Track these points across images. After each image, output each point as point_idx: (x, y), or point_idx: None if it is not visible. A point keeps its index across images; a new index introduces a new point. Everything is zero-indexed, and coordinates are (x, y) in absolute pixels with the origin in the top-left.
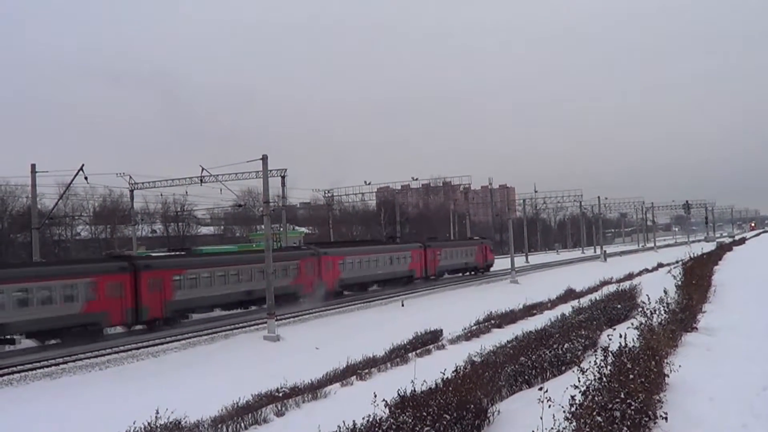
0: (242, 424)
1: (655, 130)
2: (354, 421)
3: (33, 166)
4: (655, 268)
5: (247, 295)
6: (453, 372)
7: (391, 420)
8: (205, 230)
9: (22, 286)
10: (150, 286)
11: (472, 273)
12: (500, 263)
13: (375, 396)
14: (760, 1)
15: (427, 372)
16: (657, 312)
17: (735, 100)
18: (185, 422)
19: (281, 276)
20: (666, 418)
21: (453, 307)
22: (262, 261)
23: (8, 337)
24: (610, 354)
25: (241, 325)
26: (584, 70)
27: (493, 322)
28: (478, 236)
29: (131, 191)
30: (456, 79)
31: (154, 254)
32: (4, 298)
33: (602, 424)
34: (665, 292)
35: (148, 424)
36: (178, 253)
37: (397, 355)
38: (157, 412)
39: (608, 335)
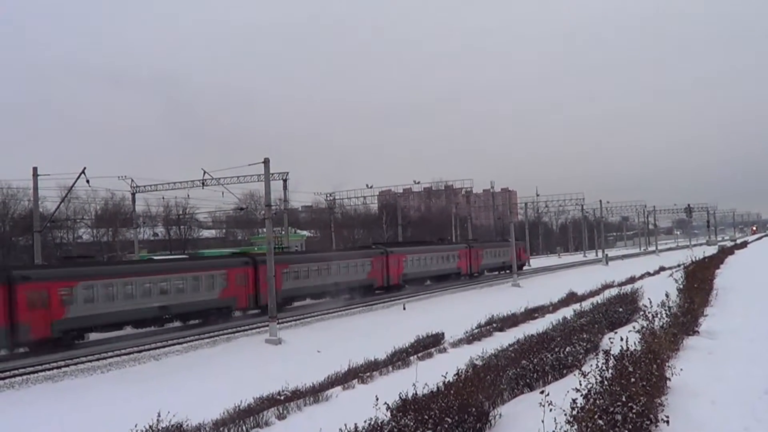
0: (244, 427)
1: (656, 133)
2: (356, 424)
3: (35, 169)
4: (656, 272)
5: (335, 286)
6: (455, 375)
7: (393, 423)
8: (206, 233)
9: (179, 276)
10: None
11: (508, 271)
12: None
13: (377, 399)
14: (761, 2)
15: (428, 375)
16: (659, 315)
17: (736, 103)
18: (187, 425)
19: (360, 270)
20: (667, 422)
21: (455, 311)
22: (347, 258)
23: (167, 316)
24: (611, 357)
25: (242, 328)
26: (585, 73)
27: (494, 325)
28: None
29: (133, 194)
30: (456, 80)
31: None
32: (167, 285)
33: (604, 427)
34: (667, 295)
35: (150, 427)
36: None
37: (399, 359)
38: (159, 415)
39: (610, 339)
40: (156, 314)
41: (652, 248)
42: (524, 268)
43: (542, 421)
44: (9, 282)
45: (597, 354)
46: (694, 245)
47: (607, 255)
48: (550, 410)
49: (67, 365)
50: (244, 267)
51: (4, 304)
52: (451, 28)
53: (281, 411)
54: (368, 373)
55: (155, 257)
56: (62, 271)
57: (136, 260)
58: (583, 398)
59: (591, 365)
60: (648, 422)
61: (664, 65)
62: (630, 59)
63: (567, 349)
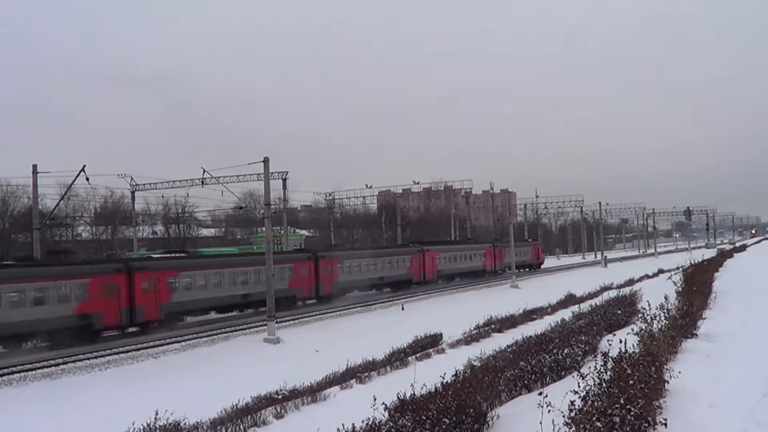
0: (241, 426)
1: (656, 135)
2: (353, 424)
3: (34, 166)
4: (655, 274)
5: (380, 280)
6: (453, 376)
7: (391, 423)
8: (205, 232)
9: (257, 269)
10: (324, 271)
11: (527, 269)
12: None
13: (375, 399)
14: (761, 3)
15: (426, 376)
16: (657, 318)
17: (737, 105)
18: (184, 424)
19: (401, 266)
20: (665, 424)
21: (453, 312)
22: (391, 255)
23: (247, 303)
24: (610, 359)
25: (240, 327)
26: (585, 74)
27: (493, 326)
28: (532, 239)
29: (132, 192)
30: (456, 80)
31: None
32: (248, 277)
33: (602, 429)
34: (666, 298)
35: (148, 425)
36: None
37: (397, 359)
38: (157, 414)
39: (608, 341)
40: (239, 301)
41: (651, 251)
42: (541, 266)
43: (540, 423)
44: (129, 272)
45: (595, 356)
46: (693, 248)
47: (605, 257)
48: (549, 412)
49: (65, 363)
50: (307, 261)
51: (126, 290)
52: (451, 28)
53: (279, 410)
54: (366, 373)
55: (154, 255)
56: (168, 263)
57: (224, 254)
58: (582, 400)
59: (589, 367)
60: (646, 425)
61: (664, 66)
62: (630, 60)
63: (565, 351)
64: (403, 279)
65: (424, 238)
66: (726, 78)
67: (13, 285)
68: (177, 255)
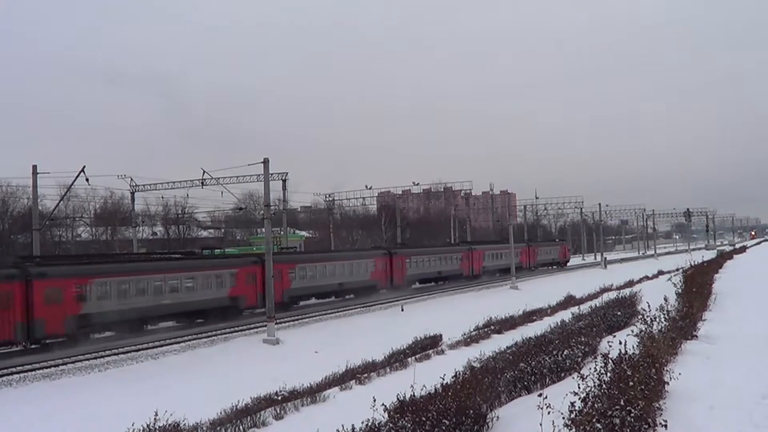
0: (241, 427)
1: (656, 137)
2: (353, 425)
3: (34, 167)
4: (655, 276)
5: (438, 274)
6: (452, 377)
7: (390, 424)
8: (205, 233)
9: (349, 262)
10: (396, 265)
11: (554, 267)
12: None
13: (374, 400)
14: (761, 6)
15: (426, 377)
16: (657, 319)
17: (736, 107)
18: (184, 424)
19: (455, 262)
20: (665, 426)
21: (452, 313)
22: (447, 253)
23: (341, 291)
24: (609, 361)
25: (240, 327)
26: (585, 76)
27: (492, 327)
28: (559, 238)
29: (132, 193)
30: (456, 81)
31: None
32: (342, 269)
33: (602, 431)
34: (665, 299)
35: (147, 426)
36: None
37: (397, 360)
38: (156, 414)
39: (608, 342)
40: (335, 289)
41: (651, 252)
42: (567, 263)
43: (540, 424)
44: (262, 264)
45: (595, 357)
46: (693, 249)
47: (605, 258)
48: (548, 413)
49: (65, 363)
50: (384, 257)
51: (261, 278)
52: (451, 29)
53: (278, 411)
54: (366, 374)
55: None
56: (288, 257)
57: (323, 250)
58: (581, 402)
59: (589, 369)
60: (646, 426)
61: (664, 69)
62: (630, 63)
63: (565, 353)
64: (456, 273)
65: (424, 240)
66: (727, 80)
67: (187, 273)
68: (293, 251)
